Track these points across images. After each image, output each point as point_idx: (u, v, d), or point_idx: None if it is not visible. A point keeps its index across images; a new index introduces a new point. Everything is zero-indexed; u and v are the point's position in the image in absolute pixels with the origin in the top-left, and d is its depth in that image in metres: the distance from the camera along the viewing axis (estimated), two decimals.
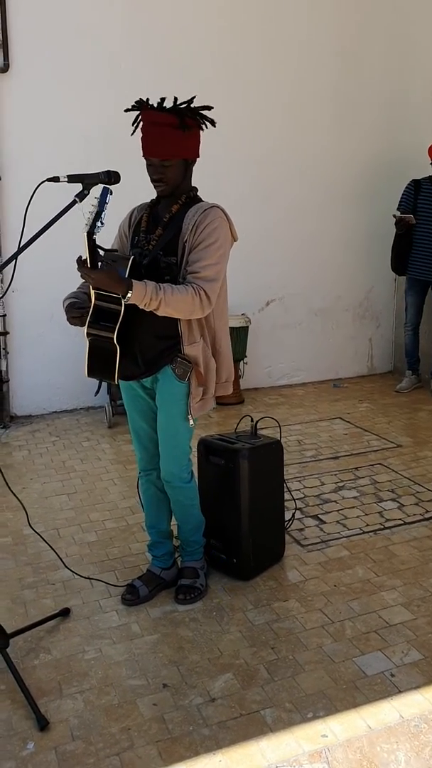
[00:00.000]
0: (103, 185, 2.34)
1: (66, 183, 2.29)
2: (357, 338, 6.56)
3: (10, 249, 5.05)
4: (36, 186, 2.30)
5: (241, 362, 5.67)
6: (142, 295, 2.35)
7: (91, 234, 2.32)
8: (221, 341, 2.74)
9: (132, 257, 2.47)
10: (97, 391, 2.94)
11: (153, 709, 2.25)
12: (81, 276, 2.43)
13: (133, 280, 2.36)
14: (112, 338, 2.45)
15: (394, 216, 5.68)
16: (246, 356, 5.71)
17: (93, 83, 5.10)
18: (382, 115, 6.22)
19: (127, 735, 2.15)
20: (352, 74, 6.01)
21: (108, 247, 2.67)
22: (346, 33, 5.92)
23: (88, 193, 2.33)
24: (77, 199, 2.30)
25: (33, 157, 4.95)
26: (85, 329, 2.46)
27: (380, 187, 6.25)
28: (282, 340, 6.21)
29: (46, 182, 2.29)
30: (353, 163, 6.15)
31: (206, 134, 2.63)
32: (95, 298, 2.44)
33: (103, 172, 2.34)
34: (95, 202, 2.32)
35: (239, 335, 5.52)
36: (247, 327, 5.63)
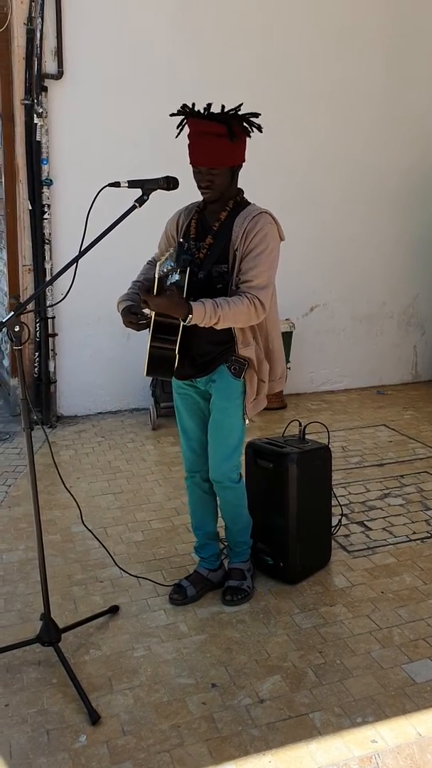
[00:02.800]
0: (179, 243, 2.46)
1: (126, 188, 2.34)
2: (401, 345, 6.51)
3: (62, 252, 5.15)
4: (98, 191, 2.34)
5: None
6: (201, 316, 2.40)
7: (162, 279, 2.37)
8: (274, 341, 2.79)
9: (188, 270, 2.50)
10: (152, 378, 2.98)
11: (202, 708, 2.28)
12: (141, 303, 2.45)
13: (192, 304, 2.39)
14: (174, 350, 2.52)
15: None
16: (289, 362, 5.71)
17: (143, 90, 5.17)
18: (428, 119, 6.18)
19: (177, 732, 2.18)
20: (397, 77, 5.97)
21: (153, 239, 2.76)
22: (392, 35, 5.88)
23: (147, 198, 2.37)
24: (137, 204, 2.34)
25: (84, 163, 5.05)
26: (147, 342, 2.52)
27: (427, 192, 6.20)
28: (325, 346, 6.19)
29: (105, 188, 2.34)
30: (398, 167, 6.11)
31: (251, 139, 2.62)
32: (155, 314, 2.48)
33: (162, 177, 2.39)
34: (173, 252, 2.46)
35: (283, 341, 5.52)
36: (291, 332, 5.63)
